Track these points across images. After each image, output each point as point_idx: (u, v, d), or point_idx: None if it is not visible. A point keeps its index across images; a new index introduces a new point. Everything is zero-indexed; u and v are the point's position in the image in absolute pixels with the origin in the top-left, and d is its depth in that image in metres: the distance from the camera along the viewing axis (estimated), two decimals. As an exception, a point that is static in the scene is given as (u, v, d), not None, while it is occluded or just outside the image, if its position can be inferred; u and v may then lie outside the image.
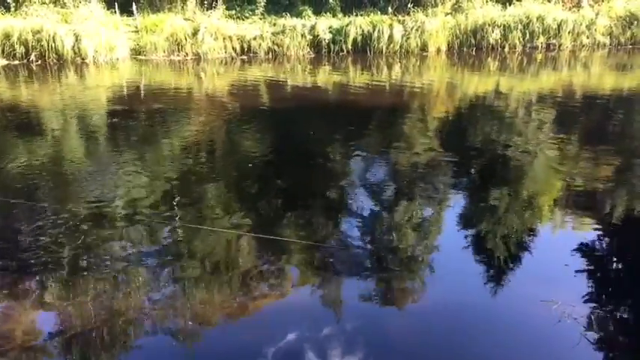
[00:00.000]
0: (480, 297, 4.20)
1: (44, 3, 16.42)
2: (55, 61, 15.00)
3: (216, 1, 17.32)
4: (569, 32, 17.74)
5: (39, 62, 14.97)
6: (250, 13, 17.78)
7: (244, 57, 16.59)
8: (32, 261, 4.62)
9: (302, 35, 16.86)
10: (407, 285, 4.42)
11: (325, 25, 17.17)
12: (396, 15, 17.71)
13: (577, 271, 4.51)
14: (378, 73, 14.79)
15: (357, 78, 14.01)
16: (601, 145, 7.86)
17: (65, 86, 12.96)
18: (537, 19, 17.56)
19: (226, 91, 12.57)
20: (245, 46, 16.73)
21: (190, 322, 3.88)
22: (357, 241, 5.05)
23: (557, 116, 9.71)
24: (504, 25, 17.52)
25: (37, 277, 4.41)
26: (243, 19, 17.52)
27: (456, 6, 18.39)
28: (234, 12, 17.87)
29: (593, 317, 3.87)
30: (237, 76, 14.44)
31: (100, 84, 13.44)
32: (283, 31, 16.89)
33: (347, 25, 17.04)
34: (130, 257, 4.73)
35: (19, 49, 14.86)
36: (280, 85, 13.07)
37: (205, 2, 17.79)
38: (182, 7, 17.94)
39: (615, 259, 5.00)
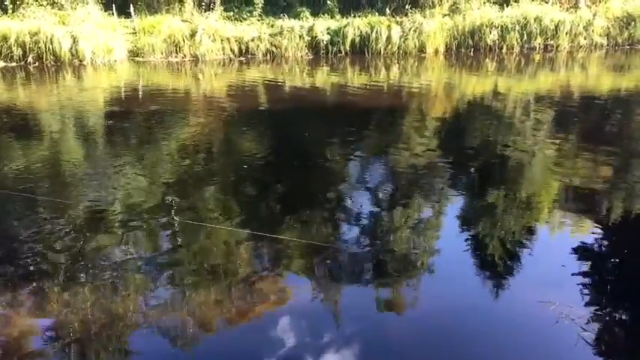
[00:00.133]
0: (478, 298, 4.19)
1: (42, 5, 16.40)
2: (52, 63, 15.00)
3: (214, 3, 17.32)
4: (566, 33, 17.78)
5: (36, 64, 14.96)
6: (248, 14, 17.78)
7: (242, 58, 16.59)
8: (30, 265, 4.61)
9: (300, 36, 16.88)
10: (405, 287, 4.41)
11: (323, 26, 17.18)
12: (393, 16, 17.73)
13: (575, 273, 4.50)
14: (376, 74, 14.80)
15: (355, 79, 14.02)
16: (599, 145, 7.86)
17: (63, 88, 12.95)
18: (535, 20, 17.59)
19: (224, 92, 12.57)
20: (243, 47, 16.74)
21: (189, 327, 3.87)
22: (355, 243, 5.03)
23: (555, 117, 9.72)
24: (502, 26, 17.55)
25: (35, 281, 4.39)
26: (241, 21, 17.53)
27: (453, 7, 18.42)
28: (232, 13, 17.87)
29: (590, 318, 3.87)
30: (236, 77, 14.44)
31: (98, 86, 13.43)
32: (281, 33, 16.90)
33: (345, 27, 17.06)
34: (128, 260, 4.72)
35: (17, 51, 14.85)
36: (278, 86, 13.07)
37: (203, 4, 17.80)
38: (180, 8, 17.95)
39: (613, 260, 5.00)
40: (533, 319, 3.87)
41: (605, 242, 5.14)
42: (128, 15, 16.99)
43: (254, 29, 17.01)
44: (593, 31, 18.03)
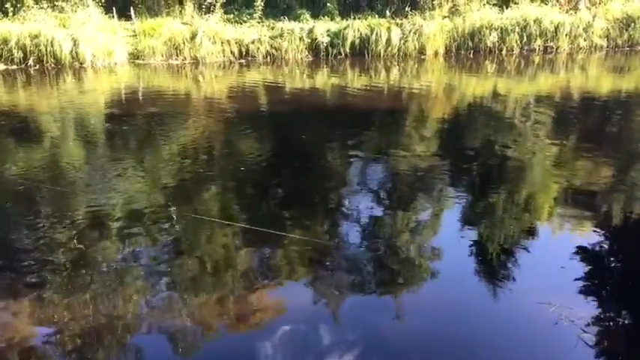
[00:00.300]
0: (477, 300, 4.20)
1: (42, 8, 16.42)
2: (53, 65, 15.00)
3: (214, 5, 17.33)
4: (566, 35, 17.77)
5: (37, 67, 14.97)
6: (248, 16, 17.78)
7: (242, 61, 16.60)
8: (31, 267, 4.63)
9: (300, 39, 16.88)
10: (405, 289, 4.43)
11: (323, 28, 17.18)
12: (393, 18, 17.74)
13: (574, 274, 4.51)
14: (376, 76, 14.81)
15: (355, 81, 14.03)
16: (599, 147, 7.87)
17: (63, 91, 12.97)
18: (534, 21, 17.58)
19: (225, 94, 12.59)
20: (243, 49, 16.73)
21: (188, 326, 3.89)
22: (355, 245, 5.05)
23: (555, 119, 9.74)
24: (502, 28, 17.54)
25: (36, 283, 4.41)
26: (241, 23, 17.53)
27: (453, 9, 18.42)
28: (232, 16, 17.87)
29: (590, 320, 3.88)
30: (236, 79, 14.46)
31: (98, 88, 13.45)
32: (281, 35, 16.90)
33: (345, 29, 17.06)
34: (128, 261, 4.74)
35: (17, 54, 14.85)
36: (279, 88, 13.09)
37: (203, 6, 17.80)
38: (180, 11, 17.96)
39: (613, 262, 5.01)
40: (533, 321, 3.87)
41: (605, 244, 5.15)
42: (128, 18, 17.00)
43: (254, 31, 17.02)
44: (592, 32, 18.02)
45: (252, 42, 16.70)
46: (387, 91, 12.82)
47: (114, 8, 16.90)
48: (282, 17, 17.78)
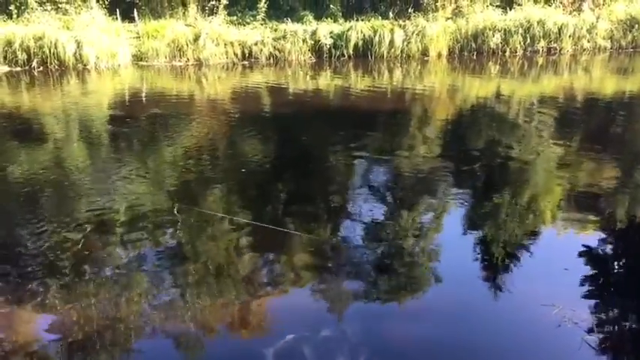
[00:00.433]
0: (481, 301, 4.19)
1: (46, 10, 16.48)
2: (56, 67, 15.04)
3: (218, 7, 17.35)
4: (569, 36, 17.74)
5: (41, 69, 15.01)
6: (251, 18, 17.81)
7: (245, 62, 16.62)
8: (35, 268, 4.63)
9: (303, 40, 16.89)
10: (408, 289, 4.42)
11: (326, 30, 17.19)
12: (397, 20, 17.74)
13: (578, 276, 4.50)
14: (379, 78, 14.81)
15: (358, 83, 14.03)
16: (603, 149, 7.85)
17: (67, 92, 13.00)
18: (538, 23, 17.55)
19: (228, 96, 12.60)
20: (246, 51, 16.75)
21: (192, 326, 3.89)
22: (358, 244, 5.04)
23: (559, 120, 9.71)
24: (505, 30, 17.52)
25: (40, 284, 4.41)
26: (244, 25, 17.56)
27: (456, 10, 18.41)
28: (235, 18, 17.90)
29: (593, 321, 3.86)
30: (239, 81, 14.48)
31: (102, 90, 13.49)
32: (284, 37, 16.91)
33: (348, 30, 17.06)
34: (132, 262, 4.74)
35: (21, 56, 14.90)
36: (282, 90, 13.10)
37: (206, 8, 17.84)
38: (183, 13, 18.01)
39: (616, 263, 4.99)
40: (536, 323, 3.86)
41: (609, 245, 5.13)
42: (132, 19, 17.05)
43: (257, 33, 17.04)
44: (596, 34, 17.99)
45: (256, 44, 16.71)
46: (391, 92, 12.82)
47: (117, 10, 16.95)
48: (285, 19, 17.80)
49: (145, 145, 8.53)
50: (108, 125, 9.76)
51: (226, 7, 17.52)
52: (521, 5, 18.32)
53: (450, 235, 5.34)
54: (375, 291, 4.35)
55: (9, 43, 14.91)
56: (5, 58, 14.96)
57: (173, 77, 14.93)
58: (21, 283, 4.44)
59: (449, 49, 17.52)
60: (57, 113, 10.76)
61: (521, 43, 17.57)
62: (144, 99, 12.33)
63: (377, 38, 16.93)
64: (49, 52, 14.89)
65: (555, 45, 17.80)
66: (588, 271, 4.63)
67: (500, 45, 17.49)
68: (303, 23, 17.66)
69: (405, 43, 17.08)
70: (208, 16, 17.47)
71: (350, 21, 17.73)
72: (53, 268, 4.63)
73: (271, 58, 16.78)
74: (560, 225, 5.62)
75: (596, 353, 3.58)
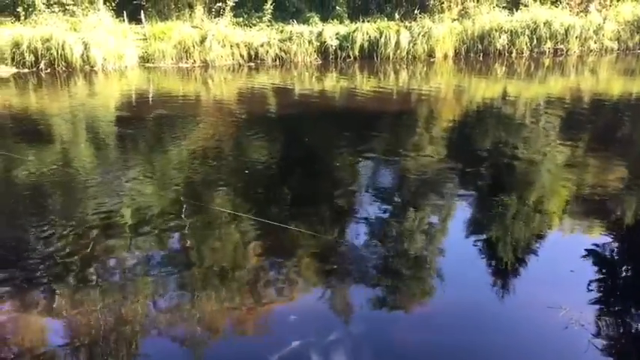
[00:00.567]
0: (487, 303, 4.19)
1: (53, 12, 16.57)
2: (64, 69, 15.12)
3: (224, 9, 17.40)
4: (576, 37, 17.69)
5: (48, 70, 15.09)
6: (258, 20, 17.85)
7: (252, 64, 16.66)
8: (41, 269, 4.66)
9: (309, 42, 16.91)
10: (414, 290, 4.42)
11: (332, 31, 17.21)
12: (402, 21, 17.74)
13: (585, 278, 4.48)
14: (385, 79, 14.82)
15: (364, 84, 14.03)
16: (609, 150, 7.83)
17: (74, 94, 13.06)
18: (544, 24, 17.52)
19: (234, 98, 12.64)
20: (252, 53, 16.78)
21: (198, 329, 3.90)
22: (364, 245, 5.04)
23: (565, 122, 9.69)
24: (511, 31, 17.49)
25: (46, 286, 4.44)
26: (250, 27, 17.60)
27: (462, 12, 18.39)
28: (241, 19, 17.95)
29: (600, 323, 3.85)
30: (245, 82, 14.51)
31: (109, 92, 13.55)
32: (290, 38, 16.94)
33: (354, 32, 17.07)
34: (138, 264, 4.76)
35: (29, 58, 14.98)
36: (288, 91, 13.12)
37: (213, 10, 17.89)
38: (190, 14, 18.07)
39: (623, 265, 4.97)
40: (543, 325, 3.85)
41: (616, 247, 5.12)
42: (139, 21, 17.12)
43: (263, 35, 17.07)
44: (603, 35, 17.93)
45: (262, 45, 16.75)
46: (397, 93, 12.81)
47: (124, 12, 17.03)
48: (291, 20, 17.83)
49: (152, 146, 8.56)
50: (115, 126, 9.81)
51: (232, 8, 17.56)
52: (527, 6, 18.27)
53: (456, 237, 5.34)
54: (381, 293, 4.35)
55: (17, 45, 15.00)
56: (13, 59, 15.04)
57: (179, 79, 14.98)
58: (29, 285, 4.46)
59: (455, 51, 17.50)
60: (64, 114, 10.82)
61: (528, 45, 17.54)
62: (150, 100, 12.38)
63: (383, 39, 16.93)
64: (57, 53, 14.97)
65: (562, 46, 17.76)
66: (595, 273, 4.62)
67: (506, 46, 17.47)
68: (309, 25, 17.69)
69: (411, 45, 17.08)
70: (215, 17, 17.52)
71: (356, 22, 17.74)
72: (61, 270, 4.65)
73: (277, 60, 16.81)
74: (567, 226, 5.60)
75: (603, 356, 3.57)
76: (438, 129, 9.46)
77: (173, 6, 18.45)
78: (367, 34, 17.05)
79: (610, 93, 12.85)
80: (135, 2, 17.86)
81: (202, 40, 16.42)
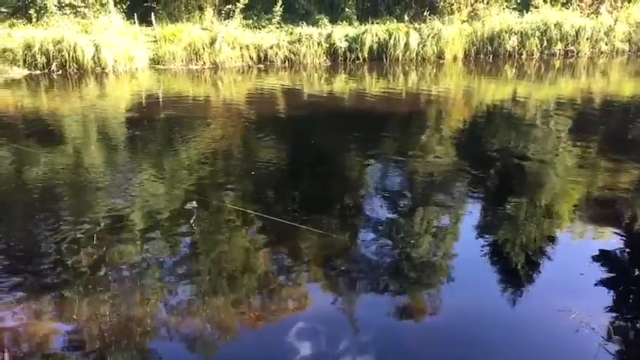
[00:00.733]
0: (497, 306, 4.18)
1: (65, 14, 16.72)
2: (75, 70, 15.24)
3: (234, 11, 17.48)
4: (587, 39, 17.62)
5: (60, 72, 15.22)
6: (267, 22, 17.92)
7: (261, 66, 16.72)
8: (51, 271, 4.70)
9: (318, 43, 16.95)
10: (423, 293, 4.42)
11: (341, 33, 17.24)
12: (412, 23, 17.74)
13: (595, 281, 4.46)
14: (394, 81, 14.81)
15: (373, 86, 14.04)
16: (621, 153, 7.78)
17: (85, 95, 13.16)
18: (555, 25, 17.46)
19: (244, 99, 12.68)
20: (262, 54, 16.86)
21: (209, 333, 3.92)
22: (373, 248, 5.04)
23: (576, 124, 9.64)
24: (521, 32, 17.45)
25: (56, 286, 4.48)
26: (260, 29, 17.68)
27: (472, 13, 18.37)
28: (251, 21, 18.03)
29: (611, 327, 3.83)
30: (254, 84, 14.56)
31: (120, 93, 13.64)
32: (300, 40, 16.99)
33: (363, 33, 17.10)
34: (148, 265, 4.79)
35: (41, 59, 15.12)
36: (297, 93, 13.15)
37: (223, 12, 17.98)
38: (200, 17, 18.18)
39: (634, 268, 4.94)
40: (553, 328, 3.84)
41: (627, 250, 5.09)
42: (149, 23, 17.23)
43: (273, 37, 17.14)
44: (614, 36, 17.85)
45: (271, 47, 16.81)
46: (406, 95, 12.80)
47: (135, 14, 17.15)
48: (300, 22, 17.88)
49: (163, 146, 8.60)
50: (125, 127, 9.87)
51: (242, 10, 17.65)
52: (537, 8, 18.21)
53: (465, 237, 5.32)
54: (391, 296, 4.35)
55: (29, 47, 15.14)
56: (25, 61, 15.19)
57: (189, 80, 15.06)
58: (40, 284, 4.51)
59: (465, 52, 17.48)
60: (75, 115, 10.90)
61: (538, 46, 17.49)
62: (161, 102, 12.45)
63: (392, 41, 16.95)
64: (68, 55, 15.11)
65: (572, 48, 17.69)
66: (606, 275, 4.59)
67: (516, 48, 17.42)
68: (318, 26, 17.74)
69: (421, 46, 17.08)
70: (224, 19, 17.62)
71: (365, 24, 17.78)
72: (71, 272, 4.69)
73: (286, 62, 16.86)
74: (577, 229, 5.57)
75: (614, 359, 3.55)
76: (447, 130, 9.44)
77: (183, 8, 18.57)
78: (376, 35, 17.07)
79: (621, 95, 12.77)
80: (145, 4, 18.00)
81: (212, 42, 16.51)
